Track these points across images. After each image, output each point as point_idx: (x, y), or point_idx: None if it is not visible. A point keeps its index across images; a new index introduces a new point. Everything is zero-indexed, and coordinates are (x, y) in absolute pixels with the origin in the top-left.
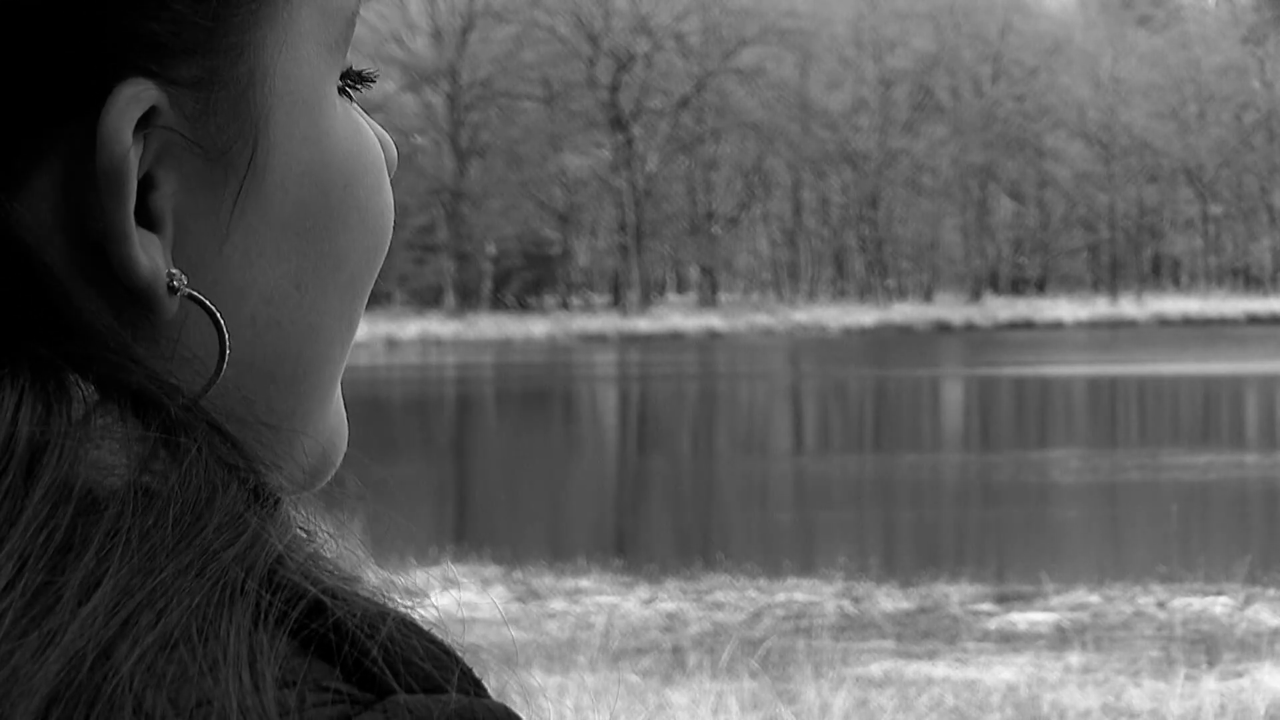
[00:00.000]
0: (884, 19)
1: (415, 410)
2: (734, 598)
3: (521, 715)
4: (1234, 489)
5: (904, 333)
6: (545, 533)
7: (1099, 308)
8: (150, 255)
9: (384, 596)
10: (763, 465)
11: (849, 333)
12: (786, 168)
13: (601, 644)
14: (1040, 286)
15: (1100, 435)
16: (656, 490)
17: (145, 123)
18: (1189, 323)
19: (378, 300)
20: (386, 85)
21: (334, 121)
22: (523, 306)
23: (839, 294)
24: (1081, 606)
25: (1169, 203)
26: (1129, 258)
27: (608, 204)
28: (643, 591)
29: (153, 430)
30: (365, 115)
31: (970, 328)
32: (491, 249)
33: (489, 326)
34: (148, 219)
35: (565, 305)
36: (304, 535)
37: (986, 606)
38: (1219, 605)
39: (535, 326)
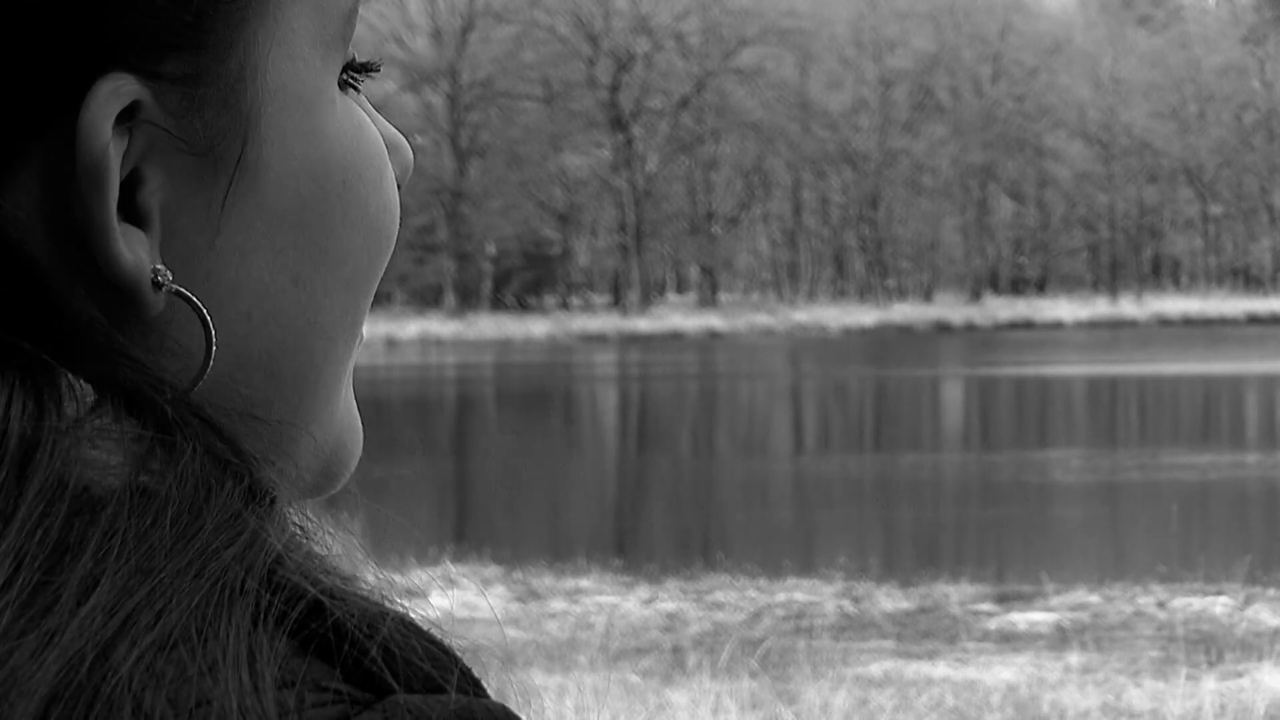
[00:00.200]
0: (884, 19)
1: (415, 410)
2: (734, 598)
3: (521, 715)
4: (1234, 489)
5: (904, 333)
6: (545, 533)
7: (1099, 308)
8: (135, 250)
9: (383, 596)
10: (763, 465)
11: (849, 333)
12: (786, 168)
13: (601, 644)
14: (1040, 286)
15: (1100, 435)
16: (656, 490)
17: (129, 117)
18: (1189, 323)
19: (377, 300)
20: (387, 85)
21: (332, 118)
22: (523, 306)
23: (839, 294)
24: (1081, 606)
25: (1169, 203)
26: (1129, 258)
27: (608, 204)
28: (643, 591)
29: (148, 429)
30: (384, 119)
31: (970, 328)
32: (491, 249)
33: (489, 326)
34: (135, 215)
35: (565, 305)
36: (300, 534)
37: (986, 606)
38: (1219, 605)
39: (535, 326)
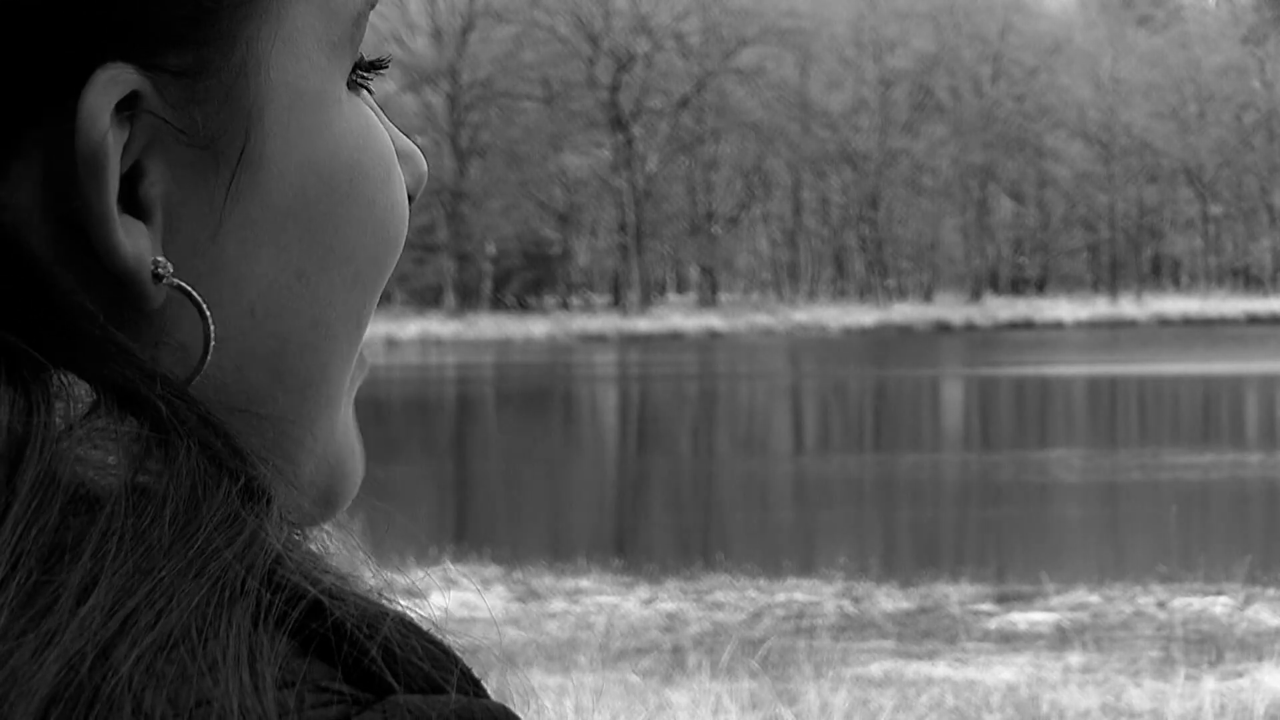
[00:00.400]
0: (884, 19)
1: (415, 410)
2: (734, 598)
3: (521, 715)
4: (1234, 489)
5: (904, 333)
6: (545, 533)
7: (1099, 308)
8: (135, 241)
9: (383, 596)
10: (763, 465)
11: (849, 333)
12: (786, 168)
13: (601, 644)
14: (1040, 286)
15: (1100, 435)
16: (656, 490)
17: (129, 107)
18: (1189, 323)
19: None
20: (387, 85)
21: (339, 117)
22: (523, 306)
23: (839, 294)
24: (1081, 606)
25: (1169, 203)
26: (1129, 258)
27: (608, 204)
28: (643, 591)
29: (145, 427)
30: (397, 130)
31: (970, 328)
32: (491, 249)
33: (489, 326)
34: (136, 207)
35: (565, 305)
36: (299, 533)
37: (986, 606)
38: (1219, 605)
39: (535, 326)
